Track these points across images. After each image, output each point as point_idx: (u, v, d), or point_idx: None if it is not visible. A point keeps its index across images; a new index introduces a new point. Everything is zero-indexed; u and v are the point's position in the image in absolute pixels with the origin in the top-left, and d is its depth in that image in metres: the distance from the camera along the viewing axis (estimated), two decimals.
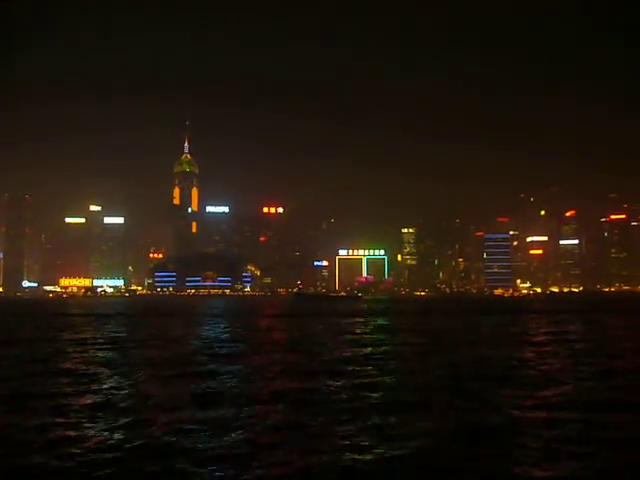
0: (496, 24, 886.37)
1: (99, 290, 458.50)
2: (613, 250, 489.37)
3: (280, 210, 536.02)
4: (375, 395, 20.58)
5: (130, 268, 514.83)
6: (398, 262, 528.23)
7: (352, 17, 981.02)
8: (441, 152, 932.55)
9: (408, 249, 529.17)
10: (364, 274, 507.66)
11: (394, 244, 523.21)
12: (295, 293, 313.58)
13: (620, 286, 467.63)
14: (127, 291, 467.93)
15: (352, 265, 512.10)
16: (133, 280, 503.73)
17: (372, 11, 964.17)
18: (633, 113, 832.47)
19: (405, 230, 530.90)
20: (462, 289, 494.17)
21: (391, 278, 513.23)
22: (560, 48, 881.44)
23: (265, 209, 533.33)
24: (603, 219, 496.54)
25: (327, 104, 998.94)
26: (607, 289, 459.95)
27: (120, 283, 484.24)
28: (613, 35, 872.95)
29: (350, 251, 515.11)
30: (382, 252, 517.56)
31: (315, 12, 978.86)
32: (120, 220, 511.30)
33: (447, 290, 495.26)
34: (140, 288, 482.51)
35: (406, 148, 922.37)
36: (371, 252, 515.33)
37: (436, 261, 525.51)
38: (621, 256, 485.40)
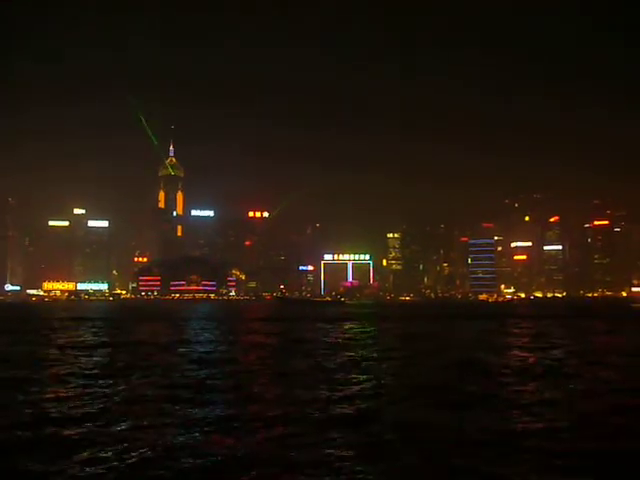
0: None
1: (83, 294, 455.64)
2: (596, 256, 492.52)
3: (265, 214, 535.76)
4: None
5: (114, 272, 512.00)
6: (383, 267, 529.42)
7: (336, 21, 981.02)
8: (427, 157, 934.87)
9: (393, 254, 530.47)
10: (349, 279, 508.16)
11: (379, 249, 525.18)
12: (277, 297, 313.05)
13: (603, 292, 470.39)
14: (111, 295, 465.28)
15: (337, 270, 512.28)
16: (117, 284, 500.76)
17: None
18: (625, 120, 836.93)
19: (390, 235, 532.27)
20: (447, 294, 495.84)
21: (376, 283, 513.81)
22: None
23: (250, 213, 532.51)
24: (587, 225, 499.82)
25: (312, 109, 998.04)
26: (590, 295, 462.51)
27: (104, 287, 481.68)
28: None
29: (335, 256, 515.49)
30: (367, 257, 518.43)
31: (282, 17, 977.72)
32: (104, 223, 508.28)
33: (432, 295, 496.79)
34: (124, 292, 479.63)
35: (391, 153, 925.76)
36: (356, 257, 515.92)
37: (421, 266, 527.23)
38: (604, 262, 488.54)
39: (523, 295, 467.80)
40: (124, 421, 17.77)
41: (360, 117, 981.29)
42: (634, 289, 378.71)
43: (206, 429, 16.88)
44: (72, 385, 24.58)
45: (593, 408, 19.67)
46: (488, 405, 20.22)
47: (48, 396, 22.00)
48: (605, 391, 23.06)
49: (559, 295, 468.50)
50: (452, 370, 28.71)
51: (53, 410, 19.40)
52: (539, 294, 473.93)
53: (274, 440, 15.69)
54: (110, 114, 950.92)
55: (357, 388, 23.58)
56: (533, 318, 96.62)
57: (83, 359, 34.32)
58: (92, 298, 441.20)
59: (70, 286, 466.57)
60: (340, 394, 22.06)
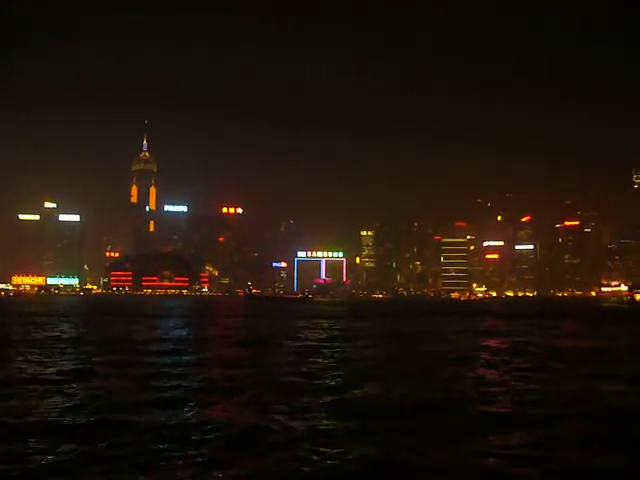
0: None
1: (53, 289, 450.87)
2: (567, 256, 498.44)
3: (239, 211, 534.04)
4: None
5: (85, 267, 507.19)
6: (356, 265, 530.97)
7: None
8: (400, 156, 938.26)
9: (367, 252, 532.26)
10: (322, 276, 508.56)
11: (353, 247, 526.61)
12: (245, 294, 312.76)
13: (573, 291, 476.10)
14: (82, 290, 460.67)
15: (311, 267, 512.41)
16: (88, 279, 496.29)
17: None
18: (596, 120, 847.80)
19: (364, 233, 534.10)
20: (419, 292, 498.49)
21: (349, 280, 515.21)
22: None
23: (224, 209, 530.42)
24: (558, 225, 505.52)
25: (286, 107, 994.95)
26: (560, 294, 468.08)
27: (75, 282, 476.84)
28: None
29: (309, 253, 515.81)
30: (341, 254, 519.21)
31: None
32: (76, 218, 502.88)
33: (404, 293, 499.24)
34: (95, 287, 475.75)
35: (366, 151, 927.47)
36: (330, 254, 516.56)
37: (394, 264, 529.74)
38: (574, 262, 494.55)
39: (494, 294, 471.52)
40: None
41: (333, 117, 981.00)
42: (604, 289, 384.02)
43: None
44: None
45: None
46: None
47: None
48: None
49: (530, 294, 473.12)
50: None
51: None
52: (510, 293, 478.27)
53: None
54: (81, 108, 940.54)
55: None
56: (500, 316, 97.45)
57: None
58: (62, 293, 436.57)
59: (40, 281, 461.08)
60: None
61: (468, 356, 33.94)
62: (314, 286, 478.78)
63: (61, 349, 36.37)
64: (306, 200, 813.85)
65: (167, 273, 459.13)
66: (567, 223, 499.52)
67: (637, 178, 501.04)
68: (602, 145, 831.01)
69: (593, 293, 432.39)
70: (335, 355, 34.27)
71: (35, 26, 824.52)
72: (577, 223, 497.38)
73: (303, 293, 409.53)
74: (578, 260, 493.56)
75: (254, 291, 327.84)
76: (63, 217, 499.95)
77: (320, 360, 31.53)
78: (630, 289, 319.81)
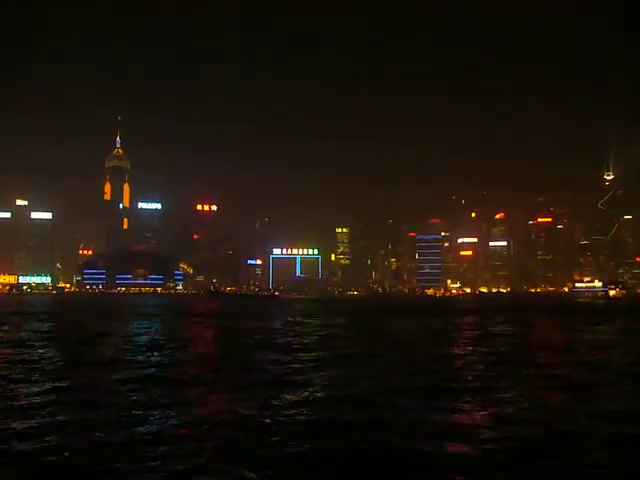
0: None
1: (24, 287, 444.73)
2: (539, 252, 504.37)
3: (214, 208, 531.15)
4: None
5: (58, 265, 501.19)
6: (332, 262, 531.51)
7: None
8: (375, 152, 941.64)
9: (342, 249, 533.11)
10: (298, 273, 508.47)
11: (328, 244, 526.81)
12: (209, 291, 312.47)
13: (546, 287, 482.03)
14: (54, 288, 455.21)
15: (286, 264, 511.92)
16: (61, 277, 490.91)
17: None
18: (570, 120, 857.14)
19: (339, 230, 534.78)
20: (394, 289, 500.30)
21: (325, 277, 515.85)
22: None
23: (199, 206, 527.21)
24: (530, 222, 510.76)
25: (262, 102, 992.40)
26: (533, 290, 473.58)
27: (47, 280, 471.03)
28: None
29: (284, 250, 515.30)
30: (316, 252, 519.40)
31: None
32: (48, 215, 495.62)
33: (380, 290, 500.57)
34: (68, 285, 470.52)
35: (340, 148, 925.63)
36: (305, 251, 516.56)
37: (369, 261, 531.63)
38: (547, 258, 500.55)
39: (469, 290, 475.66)
40: None
41: (305, 116, 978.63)
42: (578, 285, 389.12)
43: None
44: None
45: None
46: None
47: None
48: None
49: (503, 290, 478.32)
50: None
51: None
52: (484, 289, 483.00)
53: None
54: (53, 104, 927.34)
55: None
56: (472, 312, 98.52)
57: None
58: (35, 292, 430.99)
59: (11, 279, 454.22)
60: None
61: None
62: (290, 283, 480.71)
63: None
64: (281, 197, 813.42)
65: (141, 271, 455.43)
66: (540, 220, 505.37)
67: (607, 175, 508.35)
68: (573, 143, 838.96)
69: (565, 289, 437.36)
70: None
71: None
72: (549, 220, 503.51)
73: (279, 290, 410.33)
74: (550, 256, 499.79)
75: (218, 288, 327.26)
76: (35, 215, 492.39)
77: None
78: (604, 285, 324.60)
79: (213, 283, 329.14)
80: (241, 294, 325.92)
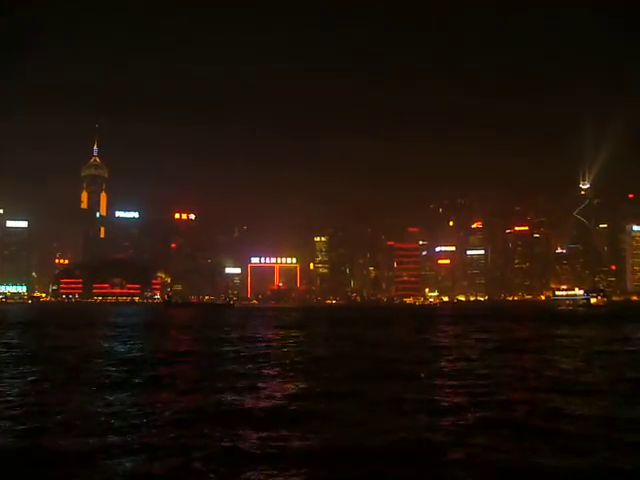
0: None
1: None
2: (516, 261, 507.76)
3: (192, 216, 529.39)
4: None
5: (34, 274, 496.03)
6: (310, 270, 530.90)
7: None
8: (354, 160, 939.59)
9: (320, 257, 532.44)
10: (276, 282, 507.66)
11: (306, 252, 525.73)
12: (164, 301, 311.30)
13: (523, 295, 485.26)
14: (30, 298, 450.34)
15: (264, 273, 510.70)
16: (37, 286, 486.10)
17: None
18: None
19: (317, 239, 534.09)
20: (373, 297, 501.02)
21: (303, 286, 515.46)
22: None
23: (176, 215, 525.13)
24: (508, 230, 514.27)
25: (233, 109, 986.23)
26: (510, 298, 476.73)
27: (23, 289, 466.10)
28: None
29: (262, 259, 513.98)
30: (294, 260, 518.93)
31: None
32: (23, 224, 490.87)
33: (358, 299, 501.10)
34: (44, 295, 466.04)
35: (317, 156, 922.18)
36: (283, 260, 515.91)
37: (347, 269, 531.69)
38: (524, 266, 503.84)
39: (446, 299, 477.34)
40: None
41: (284, 119, 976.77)
42: (558, 292, 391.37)
43: None
44: None
45: None
46: None
47: None
48: None
49: (481, 299, 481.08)
50: None
51: None
52: (462, 297, 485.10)
53: None
54: (30, 111, 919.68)
55: None
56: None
57: None
58: (10, 301, 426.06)
59: None
60: None
61: None
62: (268, 292, 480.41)
63: None
64: (259, 205, 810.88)
65: (118, 280, 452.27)
66: (517, 228, 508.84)
67: (583, 184, 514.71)
68: (550, 152, 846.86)
69: (542, 297, 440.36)
70: None
71: None
72: (526, 228, 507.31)
73: (257, 299, 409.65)
74: (527, 265, 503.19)
75: (172, 297, 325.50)
76: (10, 223, 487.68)
77: None
78: (586, 293, 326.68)
79: (168, 292, 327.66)
80: (196, 303, 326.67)
